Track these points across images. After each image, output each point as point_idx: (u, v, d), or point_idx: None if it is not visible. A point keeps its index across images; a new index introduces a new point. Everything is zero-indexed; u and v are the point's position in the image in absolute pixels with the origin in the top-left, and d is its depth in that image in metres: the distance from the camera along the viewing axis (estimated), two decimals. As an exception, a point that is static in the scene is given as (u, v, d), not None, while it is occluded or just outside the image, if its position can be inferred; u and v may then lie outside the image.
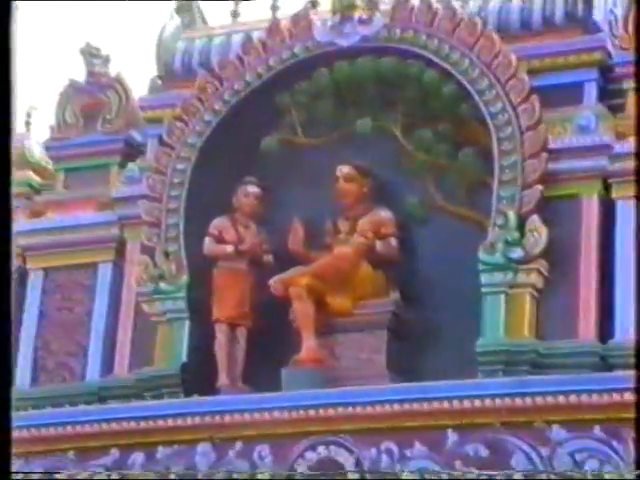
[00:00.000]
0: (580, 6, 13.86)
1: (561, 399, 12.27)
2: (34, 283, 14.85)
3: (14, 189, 13.90)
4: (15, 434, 12.58)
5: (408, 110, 13.73)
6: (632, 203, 12.84)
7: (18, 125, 15.24)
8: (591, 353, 12.73)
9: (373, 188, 13.78)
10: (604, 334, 12.79)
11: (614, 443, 12.21)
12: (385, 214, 13.60)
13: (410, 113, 13.74)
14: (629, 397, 12.18)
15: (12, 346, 8.32)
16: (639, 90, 12.98)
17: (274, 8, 15.02)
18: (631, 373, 12.35)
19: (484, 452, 12.28)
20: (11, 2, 8.16)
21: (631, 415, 12.26)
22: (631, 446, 12.20)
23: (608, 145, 12.93)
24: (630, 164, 12.80)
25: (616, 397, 12.26)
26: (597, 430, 12.21)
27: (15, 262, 14.42)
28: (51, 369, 14.60)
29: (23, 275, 14.95)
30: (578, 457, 12.13)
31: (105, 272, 14.54)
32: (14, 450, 10.70)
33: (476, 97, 13.27)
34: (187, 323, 13.89)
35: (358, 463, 12.64)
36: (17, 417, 12.84)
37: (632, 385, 12.12)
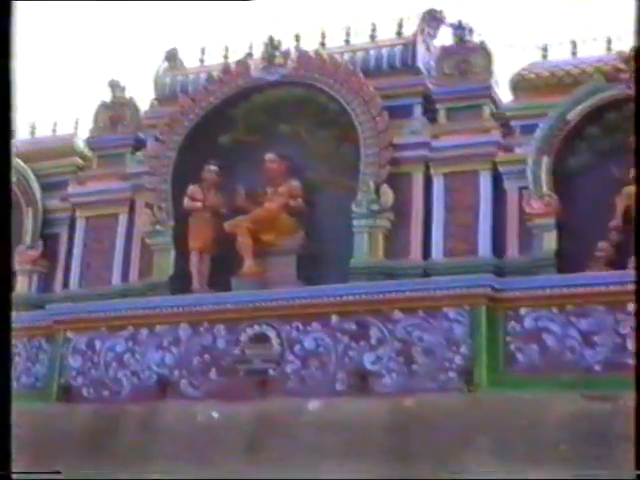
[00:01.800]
0: (410, 58, 14.69)
1: (401, 295, 13.24)
2: (79, 226, 15.72)
3: (68, 170, 15.68)
4: (68, 317, 14.63)
5: (310, 120, 14.88)
6: (442, 178, 13.99)
7: (67, 126, 16.45)
8: (418, 267, 13.78)
9: (288, 168, 14.88)
10: (426, 255, 13.83)
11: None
12: (295, 183, 14.80)
13: (311, 122, 14.89)
14: (447, 292, 13.13)
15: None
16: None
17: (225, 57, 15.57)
18: (446, 278, 13.39)
19: (354, 327, 13.34)
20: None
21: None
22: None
23: (428, 142, 14.13)
24: (443, 154, 14.03)
25: (437, 293, 13.21)
26: (421, 312, 13.15)
27: (69, 213, 15.74)
28: (90, 278, 15.48)
29: (73, 221, 15.77)
30: (410, 329, 13.16)
31: (123, 220, 15.53)
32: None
33: (351, 113, 14.36)
34: (172, 251, 14.90)
35: (279, 335, 13.64)
36: (70, 307, 14.91)
37: (446, 285, 13.21)
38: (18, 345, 14.95)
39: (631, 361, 12.22)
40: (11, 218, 7.57)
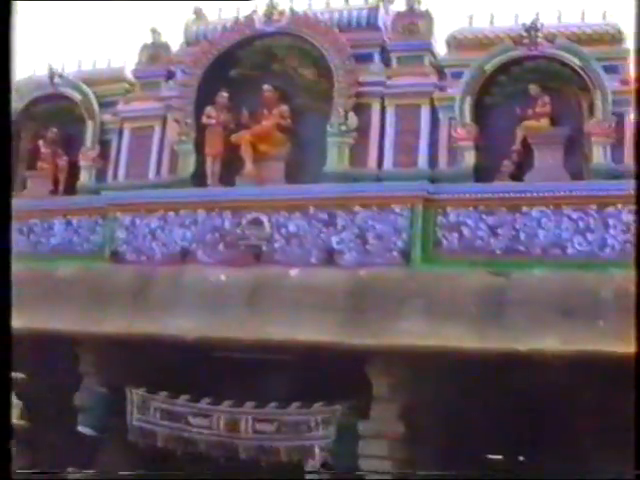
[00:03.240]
0: (373, 18, 14.70)
1: (360, 194, 13.74)
2: (125, 135, 15.56)
3: (118, 92, 15.81)
4: (117, 201, 14.92)
5: (297, 61, 14.98)
6: (393, 109, 14.19)
7: (119, 60, 16.24)
8: (374, 174, 14.00)
9: (280, 96, 14.93)
10: (380, 165, 14.03)
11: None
12: (285, 107, 14.84)
13: (298, 63, 14.99)
14: (394, 194, 13.56)
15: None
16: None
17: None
18: (394, 183, 13.76)
19: (325, 217, 13.73)
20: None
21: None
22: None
23: (383, 82, 14.28)
24: (394, 90, 14.25)
25: (386, 194, 13.69)
26: (375, 208, 13.57)
27: (118, 125, 15.74)
28: (132, 173, 15.36)
29: (121, 131, 15.61)
30: (366, 219, 13.57)
31: (157, 131, 15.41)
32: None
33: (327, 57, 14.47)
34: (193, 155, 14.89)
35: (270, 220, 13.93)
36: (118, 194, 15.06)
37: (394, 188, 13.70)
38: (82, 220, 15.30)
39: (523, 248, 12.99)
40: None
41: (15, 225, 14.66)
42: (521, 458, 15.68)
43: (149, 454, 14.42)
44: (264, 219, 14.18)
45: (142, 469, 14.34)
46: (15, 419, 17.72)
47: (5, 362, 7.13)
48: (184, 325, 13.40)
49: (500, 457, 16.56)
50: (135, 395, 14.36)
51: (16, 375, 17.41)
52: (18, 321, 13.90)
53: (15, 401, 17.60)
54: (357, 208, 13.84)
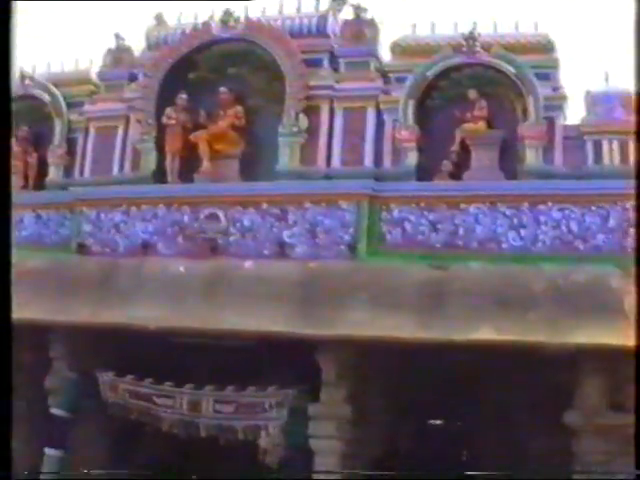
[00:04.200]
0: (322, 26, 14.49)
1: (310, 191, 13.64)
2: (91, 133, 15.24)
3: (84, 94, 15.34)
4: (83, 197, 14.56)
5: (252, 65, 14.73)
6: (341, 111, 14.00)
7: (84, 63, 15.88)
8: (323, 172, 13.85)
9: (235, 97, 14.60)
10: (329, 164, 13.89)
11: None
12: (240, 108, 14.54)
13: (252, 67, 14.73)
14: (342, 191, 13.48)
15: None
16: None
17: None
18: (341, 181, 13.65)
19: (278, 212, 13.53)
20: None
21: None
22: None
23: (332, 85, 14.05)
24: (342, 94, 14.02)
25: (334, 191, 13.56)
26: (324, 204, 13.49)
27: (84, 124, 15.37)
28: (97, 170, 15.02)
29: (87, 130, 15.27)
30: (315, 215, 13.43)
31: (121, 130, 15.05)
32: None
33: (280, 62, 14.25)
34: (154, 153, 14.65)
35: (226, 215, 13.75)
36: (84, 190, 14.67)
37: (341, 186, 13.57)
38: (51, 214, 15.02)
39: (461, 242, 12.92)
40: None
41: None
42: (459, 423, 15.83)
43: (119, 434, 14.27)
44: (220, 214, 13.96)
45: (112, 448, 14.38)
46: None
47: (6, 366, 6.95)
48: (146, 314, 13.13)
49: (439, 422, 16.78)
50: (104, 377, 14.07)
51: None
52: None
53: None
54: (307, 204, 13.65)
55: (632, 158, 12.49)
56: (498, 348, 11.73)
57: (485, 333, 11.63)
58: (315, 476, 12.52)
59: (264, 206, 13.83)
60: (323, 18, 14.77)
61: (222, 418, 13.48)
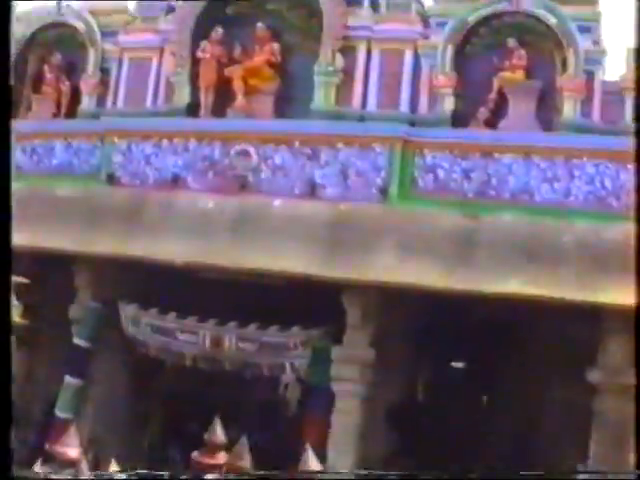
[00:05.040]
0: None
1: (343, 132, 13.46)
2: (125, 64, 14.94)
3: (120, 23, 15.16)
4: (115, 127, 14.58)
5: (291, 2, 14.47)
6: (378, 53, 13.72)
7: None
8: (357, 113, 13.61)
9: (272, 34, 14.36)
10: (364, 106, 13.65)
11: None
12: (276, 45, 14.29)
13: (291, 3, 14.49)
14: (376, 134, 13.32)
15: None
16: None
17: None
18: (376, 124, 13.45)
19: (310, 152, 13.45)
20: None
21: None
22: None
23: (371, 26, 13.74)
24: (380, 35, 13.73)
25: (368, 134, 13.38)
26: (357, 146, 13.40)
27: (118, 54, 15.13)
28: (130, 101, 14.83)
29: (121, 60, 15.00)
30: (348, 156, 13.37)
31: (155, 62, 14.79)
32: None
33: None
34: (188, 87, 14.40)
35: (257, 152, 13.62)
36: (117, 120, 14.67)
37: (375, 128, 13.40)
38: (82, 143, 14.88)
39: (493, 192, 12.80)
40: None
41: (19, 145, 14.68)
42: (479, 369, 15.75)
43: (139, 367, 14.32)
44: (252, 150, 13.83)
45: (133, 380, 14.52)
46: (16, 318, 17.87)
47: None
48: (173, 248, 13.17)
49: (462, 364, 16.87)
50: (128, 310, 14.13)
51: (17, 279, 17.43)
52: (20, 237, 14.04)
53: (16, 302, 17.70)
54: (340, 145, 13.53)
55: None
56: (525, 301, 11.67)
57: (513, 286, 11.59)
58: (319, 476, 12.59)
59: (296, 145, 13.70)
60: (367, -40, 14.36)
61: (246, 355, 13.50)
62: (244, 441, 10.39)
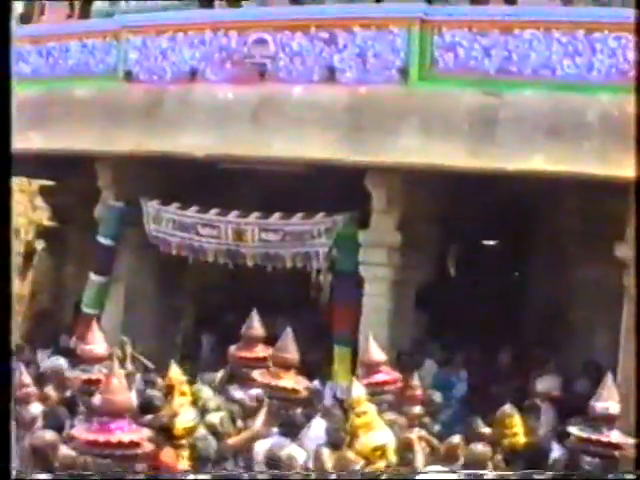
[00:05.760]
0: None
1: (360, 15, 12.97)
2: None
3: None
4: (130, 24, 14.20)
5: None
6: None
7: None
8: None
9: None
10: None
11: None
12: None
13: None
14: (392, 15, 12.88)
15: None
16: None
17: None
18: (391, 4, 13.14)
19: (327, 36, 12.99)
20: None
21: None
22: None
23: None
24: None
25: (385, 15, 12.98)
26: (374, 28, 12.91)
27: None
28: None
29: None
30: (366, 39, 12.86)
31: None
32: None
33: None
34: None
35: (274, 40, 13.20)
36: (131, 17, 14.31)
37: (391, 9, 13.08)
38: (97, 43, 14.57)
39: (514, 68, 12.35)
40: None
41: (34, 49, 14.70)
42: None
43: (165, 261, 14.35)
44: (268, 38, 13.46)
45: (159, 275, 14.65)
46: (45, 220, 18.21)
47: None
48: (194, 142, 13.09)
49: (491, 243, 16.93)
50: (149, 207, 14.12)
51: (43, 183, 17.63)
52: (40, 140, 14.27)
53: (44, 205, 18.02)
54: (356, 28, 13.06)
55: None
56: (549, 178, 11.60)
57: (536, 163, 11.43)
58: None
59: (312, 30, 13.26)
60: None
61: (269, 246, 13.41)
62: (289, 332, 10.58)
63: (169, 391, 10.14)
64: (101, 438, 7.70)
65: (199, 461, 8.74)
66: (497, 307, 15.28)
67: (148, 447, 8.43)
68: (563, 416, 10.98)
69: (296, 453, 9.13)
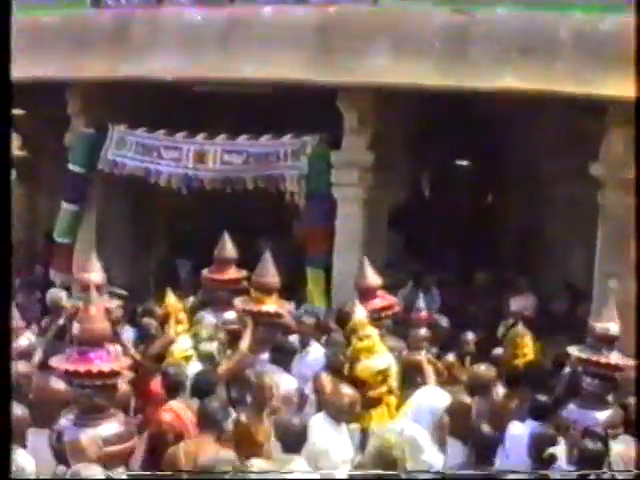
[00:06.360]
0: None
1: None
2: None
3: None
4: None
5: None
6: None
7: None
8: None
9: None
10: None
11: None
12: None
13: None
14: None
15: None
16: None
17: None
18: None
19: None
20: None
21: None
22: None
23: None
24: None
25: None
26: None
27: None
28: None
29: None
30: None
31: None
32: None
33: None
34: None
35: None
36: None
37: None
38: None
39: None
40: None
41: None
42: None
43: (133, 188, 14.24)
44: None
45: (132, 202, 14.54)
46: (16, 150, 17.95)
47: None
48: (163, 65, 12.89)
49: (465, 163, 16.90)
50: (115, 131, 13.90)
51: (12, 112, 17.34)
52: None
53: (14, 135, 17.74)
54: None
55: None
56: (523, 97, 11.47)
57: (509, 81, 11.24)
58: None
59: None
60: None
61: (229, 170, 13.22)
62: (268, 257, 10.50)
63: (165, 319, 10.17)
64: (82, 368, 7.62)
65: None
66: (472, 227, 15.32)
67: (129, 376, 8.44)
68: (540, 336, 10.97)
69: (283, 381, 9.04)
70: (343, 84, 12.22)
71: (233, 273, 11.50)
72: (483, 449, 7.39)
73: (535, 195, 14.36)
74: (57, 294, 11.36)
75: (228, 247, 11.55)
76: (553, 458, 7.47)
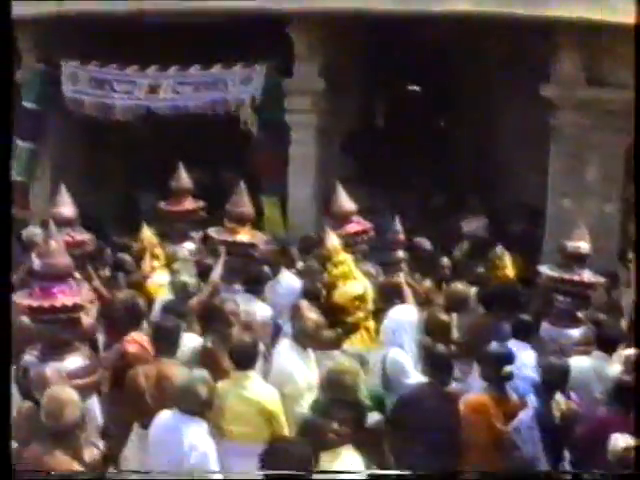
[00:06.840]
0: None
1: None
2: None
3: None
4: None
5: None
6: None
7: None
8: None
9: None
10: None
11: None
12: None
13: None
14: None
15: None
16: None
17: None
18: None
19: None
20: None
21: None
22: None
23: None
24: None
25: None
26: None
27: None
28: None
29: None
30: None
31: None
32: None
33: None
34: None
35: None
36: None
37: None
38: None
39: None
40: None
41: None
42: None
43: (87, 122, 13.91)
44: None
45: (87, 137, 14.32)
46: None
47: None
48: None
49: (417, 88, 16.81)
50: (68, 67, 13.67)
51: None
52: None
53: None
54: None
55: None
56: (475, 20, 11.39)
57: (462, 4, 11.18)
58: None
59: None
60: None
61: (179, 99, 13.06)
62: (242, 187, 10.30)
63: (141, 254, 10.07)
64: (45, 304, 7.47)
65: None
66: (425, 152, 15.32)
67: (93, 310, 8.35)
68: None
69: (258, 309, 9.11)
70: (293, 11, 12.05)
71: (189, 204, 11.46)
72: (438, 370, 7.34)
73: (488, 117, 14.35)
74: (32, 231, 11.14)
75: (183, 178, 11.47)
76: (510, 375, 7.42)
